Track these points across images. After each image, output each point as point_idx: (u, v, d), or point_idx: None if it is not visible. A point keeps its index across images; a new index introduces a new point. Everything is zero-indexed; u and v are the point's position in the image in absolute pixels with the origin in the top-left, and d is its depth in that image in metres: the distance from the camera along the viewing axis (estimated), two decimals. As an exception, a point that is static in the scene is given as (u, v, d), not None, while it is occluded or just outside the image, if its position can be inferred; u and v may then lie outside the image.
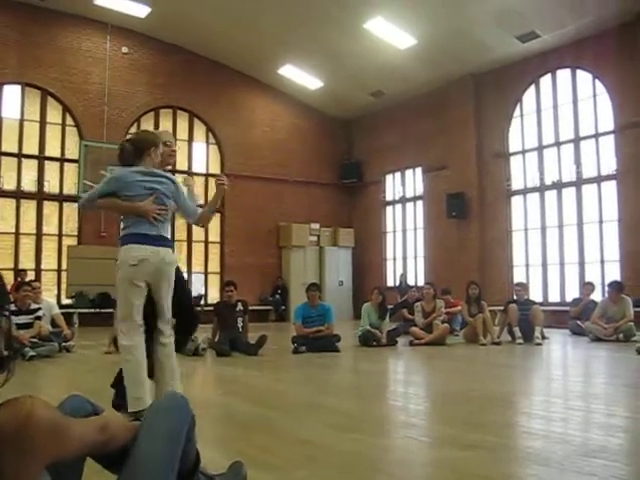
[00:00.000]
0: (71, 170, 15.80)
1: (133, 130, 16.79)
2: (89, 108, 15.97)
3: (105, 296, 14.36)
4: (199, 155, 18.07)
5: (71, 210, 15.99)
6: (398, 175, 18.89)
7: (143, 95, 16.89)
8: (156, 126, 17.24)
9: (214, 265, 18.01)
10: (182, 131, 17.77)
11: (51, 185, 15.80)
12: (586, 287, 12.16)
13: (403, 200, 18.71)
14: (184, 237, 17.63)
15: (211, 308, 10.03)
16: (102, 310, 13.81)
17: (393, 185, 19.11)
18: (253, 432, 3.72)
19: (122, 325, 4.03)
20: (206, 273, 17.94)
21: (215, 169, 18.16)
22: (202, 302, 16.59)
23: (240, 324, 8.83)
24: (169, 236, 4.22)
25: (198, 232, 17.80)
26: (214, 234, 18.05)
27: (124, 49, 16.61)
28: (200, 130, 18.06)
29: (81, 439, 1.51)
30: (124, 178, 4.12)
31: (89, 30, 16.20)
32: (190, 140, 17.90)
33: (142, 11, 15.49)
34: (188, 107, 17.69)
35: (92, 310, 14.50)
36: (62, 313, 9.40)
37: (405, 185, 18.73)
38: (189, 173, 17.70)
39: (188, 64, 17.46)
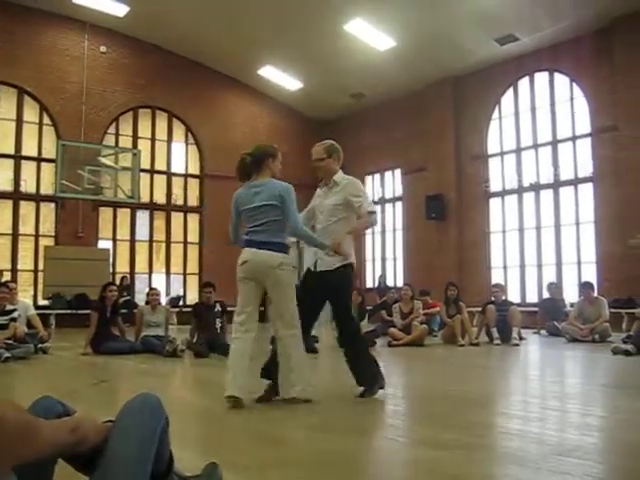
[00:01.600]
0: (48, 170, 15.63)
1: (112, 130, 16.70)
2: (67, 107, 15.83)
3: (82, 297, 14.24)
4: (178, 155, 17.99)
5: (48, 210, 15.85)
6: (377, 176, 18.92)
7: (122, 95, 16.78)
8: (134, 126, 17.15)
9: (193, 266, 17.92)
10: (161, 131, 17.68)
11: (28, 185, 15.63)
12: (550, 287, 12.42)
13: (382, 201, 18.74)
14: (162, 238, 17.53)
15: (190, 309, 9.97)
16: (79, 311, 13.68)
17: (372, 186, 19.14)
18: (229, 433, 3.70)
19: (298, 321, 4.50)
20: (185, 274, 17.84)
21: (194, 169, 18.10)
22: (181, 303, 16.52)
23: (218, 325, 8.78)
24: (276, 240, 4.47)
25: (177, 232, 17.72)
26: (193, 235, 17.99)
27: (102, 48, 16.48)
28: (179, 130, 17.98)
29: (51, 440, 1.49)
30: (238, 196, 4.60)
31: (67, 28, 16.06)
32: (169, 140, 17.82)
33: (121, 10, 15.39)
34: (167, 107, 17.60)
35: (69, 311, 14.36)
36: (38, 314, 9.28)
37: (384, 186, 18.78)
38: (168, 173, 17.63)
39: (167, 64, 17.37)
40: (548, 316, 11.65)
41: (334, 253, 4.60)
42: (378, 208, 18.87)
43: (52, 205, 15.80)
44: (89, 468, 1.67)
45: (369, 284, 18.47)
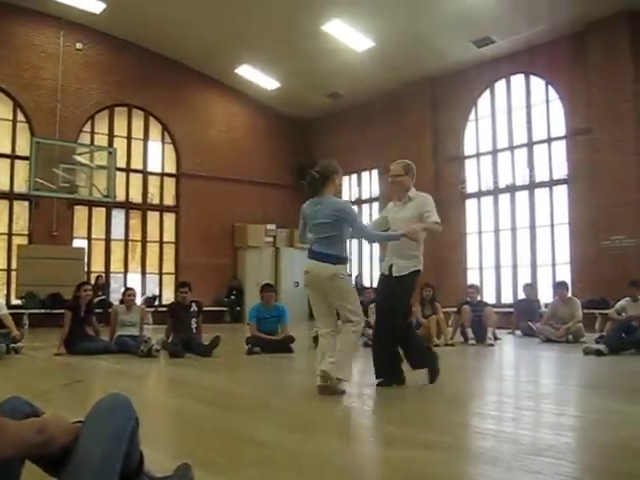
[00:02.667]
0: (22, 167, 15.41)
1: (87, 128, 16.54)
2: (41, 104, 15.63)
3: (56, 297, 14.09)
4: (154, 154, 17.85)
5: (22, 208, 15.65)
6: (354, 177, 18.94)
7: (97, 93, 16.61)
8: (110, 124, 17.00)
9: (169, 266, 17.81)
10: (137, 130, 17.54)
11: (1, 183, 15.43)
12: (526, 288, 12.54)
13: (359, 202, 18.77)
14: (138, 237, 17.41)
15: (165, 309, 9.91)
16: (53, 311, 13.53)
17: (349, 186, 19.16)
18: (203, 433, 3.68)
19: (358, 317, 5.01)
20: (161, 274, 17.73)
21: (171, 168, 17.99)
22: (156, 303, 16.41)
23: (194, 325, 8.73)
24: (333, 252, 4.98)
25: (153, 232, 17.61)
26: (169, 234, 17.87)
27: (78, 45, 16.29)
28: (156, 129, 17.85)
29: (16, 440, 1.47)
30: (305, 209, 5.29)
31: (42, 25, 15.85)
32: (145, 139, 17.67)
33: (97, 7, 15.24)
34: (143, 106, 17.47)
35: (43, 311, 14.19)
36: (11, 314, 9.14)
37: (361, 187, 18.81)
38: (144, 172, 17.51)
39: (144, 62, 17.23)
40: (523, 317, 11.74)
41: (410, 239, 5.08)
42: (355, 208, 18.93)
43: (26, 203, 15.59)
44: (57, 469, 1.65)
45: (346, 284, 18.47)
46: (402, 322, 5.37)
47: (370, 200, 18.38)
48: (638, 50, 12.64)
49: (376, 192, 18.10)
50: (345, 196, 19.26)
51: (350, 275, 4.71)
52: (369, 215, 18.38)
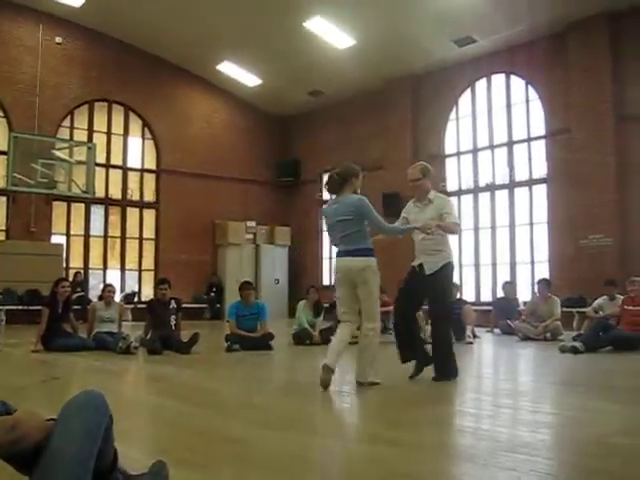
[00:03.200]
0: (0, 162, 15.24)
1: (67, 123, 16.38)
2: (20, 99, 15.44)
3: (34, 293, 13.95)
4: (134, 150, 17.73)
5: (-1, 204, 15.48)
6: (335, 175, 18.91)
7: (77, 87, 16.45)
8: (90, 120, 16.86)
9: (148, 262, 17.72)
10: (117, 125, 17.41)
11: (-22, 178, 15.24)
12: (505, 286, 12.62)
13: (340, 199, 18.76)
14: (117, 233, 17.29)
15: (144, 305, 9.86)
16: (31, 307, 13.39)
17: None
18: (180, 430, 3.66)
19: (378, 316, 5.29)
20: (140, 270, 17.63)
21: (151, 164, 17.89)
22: (135, 299, 16.32)
23: (173, 322, 8.69)
24: (360, 246, 5.17)
25: (132, 228, 17.51)
26: (149, 231, 17.77)
27: (58, 39, 16.11)
28: (136, 125, 17.73)
29: None
30: (324, 211, 5.50)
31: (21, 18, 15.64)
32: (125, 135, 17.54)
33: (77, 0, 15.09)
34: (124, 101, 17.33)
35: (20, 307, 14.05)
36: (-13, 310, 9.07)
37: (342, 185, 18.78)
38: (124, 168, 17.40)
39: (125, 57, 17.10)
40: (502, 315, 11.81)
41: (430, 232, 5.37)
42: (335, 207, 18.92)
43: (3, 199, 15.40)
44: (30, 467, 1.63)
45: (326, 281, 18.49)
46: (447, 323, 5.80)
47: (351, 198, 18.38)
48: (618, 51, 12.76)
49: (360, 181, 18.05)
50: (325, 194, 19.23)
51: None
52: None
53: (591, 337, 8.27)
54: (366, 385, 5.13)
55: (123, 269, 17.30)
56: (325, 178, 5.44)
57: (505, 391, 5.49)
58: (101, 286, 11.29)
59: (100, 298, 9.45)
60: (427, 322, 10.41)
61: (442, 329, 5.68)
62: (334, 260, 5.36)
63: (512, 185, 14.71)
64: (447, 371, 5.56)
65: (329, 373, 5.00)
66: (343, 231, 5.19)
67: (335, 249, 5.42)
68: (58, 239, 16.09)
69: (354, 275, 5.13)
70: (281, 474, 2.69)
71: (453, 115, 16.06)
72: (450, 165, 16.11)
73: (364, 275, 5.12)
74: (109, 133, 17.26)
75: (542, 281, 10.93)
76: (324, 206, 5.56)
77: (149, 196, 17.83)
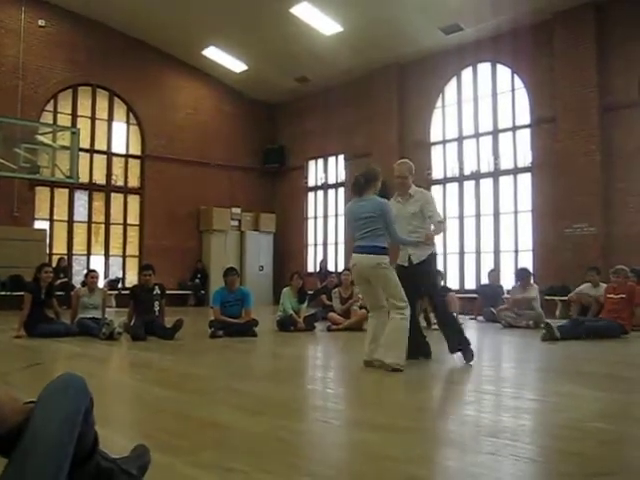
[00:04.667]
0: (-19, 147, 15.08)
1: (50, 107, 16.21)
2: (2, 82, 15.22)
3: (17, 279, 13.85)
4: (119, 135, 17.59)
5: (-18, 188, 15.32)
6: (321, 161, 18.93)
7: (61, 71, 16.27)
8: (74, 104, 16.71)
9: (133, 248, 17.64)
10: (101, 110, 17.25)
11: (-40, 162, 15.08)
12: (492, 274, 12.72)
13: (325, 187, 18.78)
14: (101, 219, 17.20)
15: (128, 292, 9.83)
16: (14, 293, 13.29)
17: (315, 171, 19.16)
18: (163, 415, 3.67)
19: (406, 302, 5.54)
20: (124, 256, 17.56)
21: (135, 150, 17.77)
22: (119, 285, 16.26)
23: (157, 308, 8.67)
24: (376, 244, 5.52)
25: (117, 214, 17.41)
26: (133, 216, 17.68)
27: (41, 22, 15.89)
28: (120, 110, 17.58)
29: None
30: (350, 209, 5.79)
31: (2, 0, 15.44)
32: (110, 120, 17.40)
33: (60, -17, 14.92)
34: (108, 86, 17.17)
35: (3, 293, 13.95)
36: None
37: (327, 172, 18.80)
38: (108, 153, 17.28)
39: (109, 41, 16.91)
40: (486, 302, 11.90)
41: (427, 243, 5.90)
42: (321, 193, 18.97)
43: (-14, 183, 15.28)
44: (9, 450, 1.63)
45: (310, 269, 18.52)
46: (442, 299, 6.56)
47: (336, 185, 18.38)
48: (603, 40, 12.79)
49: (342, 177, 18.09)
50: (311, 181, 19.28)
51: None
52: (334, 200, 18.40)
53: (571, 328, 8.39)
54: (386, 367, 5.29)
55: (107, 255, 17.22)
56: (352, 180, 5.88)
57: (487, 378, 5.54)
58: (85, 272, 11.23)
59: (83, 284, 9.41)
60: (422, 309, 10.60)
61: (446, 309, 6.42)
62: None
63: (497, 173, 14.75)
64: (467, 343, 6.02)
65: (370, 364, 5.50)
66: (366, 228, 5.53)
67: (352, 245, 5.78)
68: (41, 224, 15.98)
69: (367, 272, 5.53)
70: (264, 458, 2.71)
71: (439, 103, 16.06)
72: (435, 153, 16.13)
73: (375, 272, 5.47)
74: (93, 118, 17.11)
75: (520, 270, 11.04)
76: (349, 204, 5.90)
77: (133, 182, 17.72)
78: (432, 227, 6.09)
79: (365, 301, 5.80)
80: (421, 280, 6.04)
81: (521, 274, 10.95)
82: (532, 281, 11.00)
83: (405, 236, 5.84)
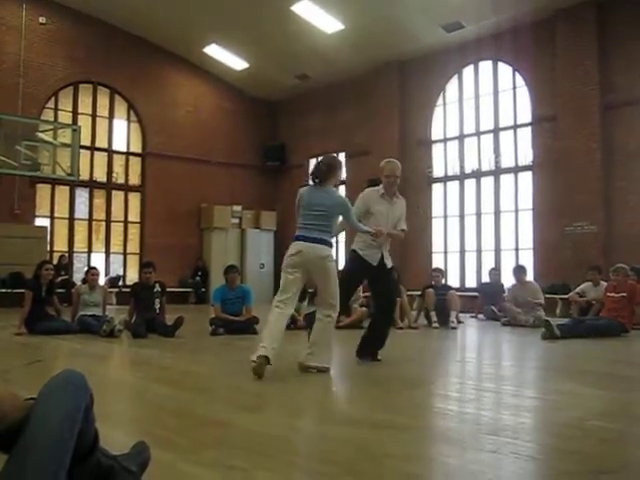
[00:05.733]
0: (-18, 144, 15.06)
1: (51, 105, 16.21)
2: (3, 80, 15.23)
3: (18, 276, 13.84)
4: (120, 133, 17.60)
5: (-18, 185, 15.32)
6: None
7: (62, 69, 16.27)
8: (75, 102, 16.71)
9: (133, 246, 17.65)
10: (102, 108, 17.26)
11: (-39, 159, 15.08)
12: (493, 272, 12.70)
13: (326, 184, 18.74)
14: (102, 217, 17.20)
15: (129, 289, 9.83)
16: (14, 290, 13.29)
17: (317, 169, 19.12)
18: (163, 413, 3.67)
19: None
20: (125, 253, 17.57)
21: (136, 147, 17.77)
22: (120, 283, 16.26)
23: (157, 305, 8.68)
24: (327, 237, 5.36)
25: (117, 211, 17.42)
26: (134, 214, 17.69)
27: (41, 19, 15.88)
28: (121, 107, 17.59)
29: None
30: (304, 195, 5.48)
31: (4, -3, 15.45)
32: (111, 117, 17.41)
33: (61, -20, 14.90)
34: (109, 83, 17.18)
35: (3, 290, 13.96)
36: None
37: (328, 170, 18.75)
38: (109, 151, 17.28)
39: (110, 38, 16.91)
40: (487, 300, 11.89)
41: (376, 238, 5.61)
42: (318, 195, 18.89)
43: (-13, 180, 15.28)
44: (8, 447, 1.63)
45: (312, 267, 18.50)
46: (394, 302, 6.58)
47: (336, 183, 18.35)
48: (605, 39, 12.79)
49: (343, 175, 18.06)
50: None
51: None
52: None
53: (571, 326, 8.39)
54: (309, 369, 5.21)
55: (108, 252, 17.23)
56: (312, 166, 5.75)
57: (488, 375, 5.54)
58: (85, 269, 11.24)
59: (84, 281, 9.41)
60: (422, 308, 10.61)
61: (392, 316, 6.41)
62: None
63: (498, 172, 14.75)
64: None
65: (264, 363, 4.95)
66: (318, 220, 5.29)
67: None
68: (42, 222, 15.99)
69: (314, 263, 5.25)
70: (263, 456, 2.71)
71: (440, 101, 16.06)
72: (436, 151, 16.13)
73: (323, 264, 5.25)
74: (94, 115, 17.11)
75: (516, 268, 11.02)
76: (301, 190, 5.60)
77: (134, 179, 17.73)
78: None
79: (286, 289, 5.35)
80: (388, 286, 6.02)
81: (515, 272, 10.92)
82: (527, 278, 10.95)
83: (361, 225, 5.65)
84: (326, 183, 5.46)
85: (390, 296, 6.12)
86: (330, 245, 5.37)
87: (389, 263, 5.88)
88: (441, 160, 16.00)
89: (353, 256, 5.95)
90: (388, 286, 6.00)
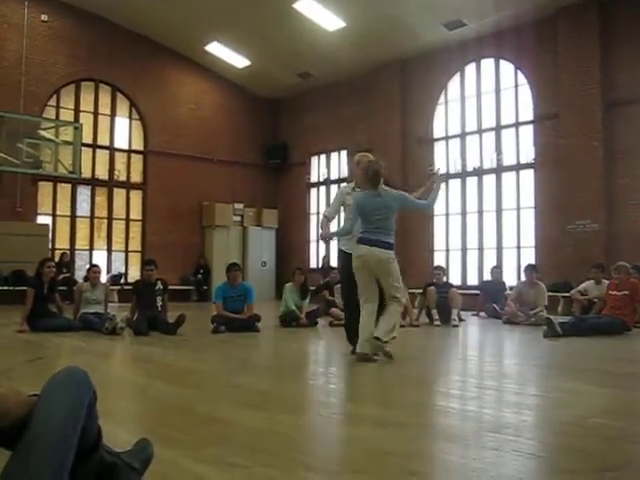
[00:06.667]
0: (-16, 142, 15.06)
1: (52, 102, 16.21)
2: (5, 77, 15.24)
3: (20, 273, 13.85)
4: (121, 131, 17.60)
5: (-16, 183, 15.33)
6: (323, 157, 18.93)
7: (63, 66, 16.27)
8: (76, 99, 16.71)
9: (135, 243, 17.66)
10: (104, 106, 17.26)
11: (-37, 157, 15.08)
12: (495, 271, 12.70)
13: (327, 182, 18.77)
14: (104, 214, 17.21)
15: (131, 287, 9.83)
16: (16, 288, 13.31)
17: (318, 167, 19.15)
18: (165, 410, 3.67)
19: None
20: (127, 251, 17.57)
21: (138, 145, 17.78)
22: (122, 281, 16.28)
23: (159, 303, 8.69)
24: (391, 240, 5.79)
25: (119, 209, 17.43)
26: (135, 212, 17.69)
27: (43, 17, 15.89)
28: (123, 105, 17.59)
29: None
30: (361, 201, 5.84)
31: (5, -6, 15.44)
32: (112, 115, 17.40)
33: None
34: (111, 81, 17.18)
35: (6, 288, 13.97)
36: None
37: (330, 167, 18.80)
38: (111, 149, 17.29)
39: (112, 36, 16.91)
40: (488, 298, 11.89)
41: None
42: (323, 189, 18.95)
43: (-11, 178, 15.29)
44: (12, 443, 1.63)
45: (313, 265, 18.52)
46: None
47: (338, 181, 18.36)
48: (607, 37, 12.76)
49: (344, 173, 18.08)
50: (313, 177, 19.27)
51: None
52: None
53: (573, 324, 8.39)
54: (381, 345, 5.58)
55: (110, 250, 17.24)
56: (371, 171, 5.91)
57: (490, 373, 5.54)
58: (87, 267, 11.24)
59: (86, 279, 9.42)
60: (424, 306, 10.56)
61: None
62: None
63: (500, 170, 14.74)
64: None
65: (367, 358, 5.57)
66: (380, 223, 5.74)
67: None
68: (44, 219, 16.00)
69: (379, 265, 5.67)
70: (266, 453, 2.71)
71: (442, 99, 16.04)
72: (438, 149, 16.12)
73: (388, 266, 5.70)
74: (96, 113, 17.12)
75: (529, 267, 10.96)
76: (358, 196, 5.94)
77: (136, 177, 17.73)
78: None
79: (362, 289, 5.73)
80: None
81: (527, 270, 10.87)
82: (536, 278, 10.93)
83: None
84: (377, 187, 5.81)
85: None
86: (392, 247, 5.74)
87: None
88: (443, 158, 15.98)
89: (341, 255, 6.25)
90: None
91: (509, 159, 14.60)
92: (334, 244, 18.19)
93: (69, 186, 16.52)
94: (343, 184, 18.11)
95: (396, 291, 5.73)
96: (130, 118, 17.74)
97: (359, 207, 5.76)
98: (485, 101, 15.21)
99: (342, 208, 6.42)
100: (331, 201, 6.66)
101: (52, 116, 16.12)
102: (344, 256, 6.15)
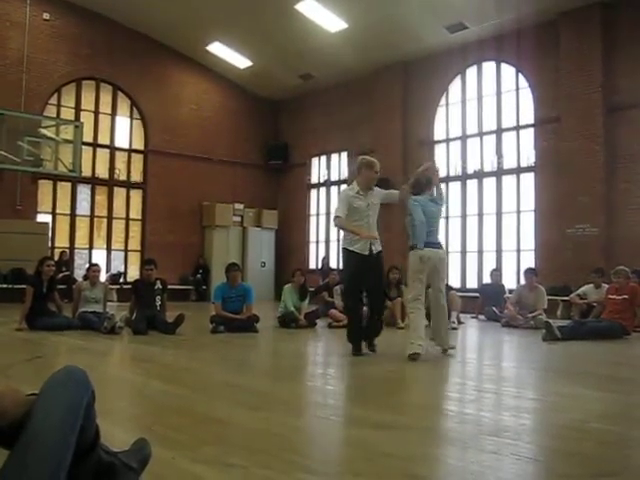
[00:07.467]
0: (-15, 139, 15.06)
1: (53, 101, 16.21)
2: (6, 75, 15.24)
3: (19, 272, 13.86)
4: (122, 130, 17.59)
5: (-16, 181, 15.33)
6: (324, 158, 18.93)
7: (65, 65, 16.27)
8: (77, 98, 16.71)
9: (135, 243, 17.65)
10: (105, 105, 17.25)
11: (-37, 154, 15.07)
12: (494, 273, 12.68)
13: (328, 183, 18.77)
14: (104, 213, 17.20)
15: (130, 286, 9.83)
16: (15, 286, 13.29)
17: (318, 168, 19.15)
18: (163, 410, 3.67)
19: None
20: (126, 250, 17.57)
21: (138, 145, 17.77)
22: (121, 280, 16.27)
23: (158, 302, 8.69)
24: (440, 241, 6.68)
25: (119, 208, 17.43)
26: (135, 211, 17.69)
27: (45, 15, 15.89)
28: (124, 104, 17.59)
29: None
30: (421, 205, 6.49)
31: (7, -7, 15.45)
32: (113, 114, 17.40)
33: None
34: (112, 80, 17.17)
35: (5, 286, 13.96)
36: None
37: (330, 168, 18.80)
38: (111, 148, 17.29)
39: (113, 35, 16.91)
40: (488, 301, 11.88)
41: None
42: (323, 190, 18.94)
43: (-11, 176, 15.28)
44: (10, 443, 1.63)
45: (312, 265, 18.52)
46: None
47: (339, 182, 18.37)
48: (609, 41, 12.76)
49: (345, 174, 18.08)
50: (314, 178, 19.27)
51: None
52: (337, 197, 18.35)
53: (572, 328, 8.39)
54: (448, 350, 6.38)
55: (109, 249, 17.23)
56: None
57: (488, 377, 5.54)
58: (87, 266, 11.24)
59: (85, 278, 9.41)
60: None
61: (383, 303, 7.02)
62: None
63: (500, 173, 14.74)
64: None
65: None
66: (433, 226, 6.38)
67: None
68: (44, 218, 15.98)
69: (440, 264, 6.37)
70: (264, 454, 2.71)
71: (443, 101, 16.04)
72: (439, 151, 16.12)
73: (444, 264, 6.64)
74: (97, 112, 17.12)
75: (529, 270, 10.96)
76: (419, 197, 6.48)
77: (136, 176, 17.73)
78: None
79: (417, 289, 6.20)
80: (378, 273, 6.46)
81: (527, 274, 10.87)
82: (536, 282, 10.92)
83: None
84: (427, 192, 6.50)
85: (380, 278, 6.58)
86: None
87: (378, 247, 6.34)
88: (443, 160, 15.98)
89: (346, 253, 6.35)
90: (378, 271, 6.46)
91: (510, 162, 14.59)
92: (334, 244, 18.32)
93: (69, 185, 16.52)
94: (344, 186, 18.15)
95: (443, 285, 6.48)
96: (131, 117, 17.73)
97: (418, 211, 6.27)
98: (486, 104, 15.21)
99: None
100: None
101: (53, 114, 16.11)
102: (351, 255, 6.27)
